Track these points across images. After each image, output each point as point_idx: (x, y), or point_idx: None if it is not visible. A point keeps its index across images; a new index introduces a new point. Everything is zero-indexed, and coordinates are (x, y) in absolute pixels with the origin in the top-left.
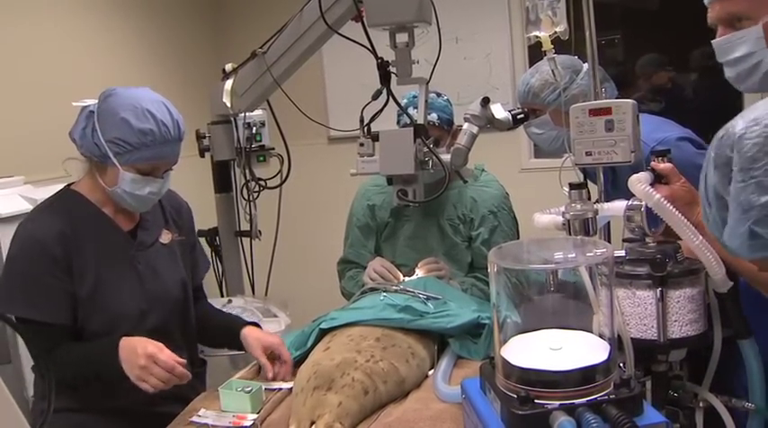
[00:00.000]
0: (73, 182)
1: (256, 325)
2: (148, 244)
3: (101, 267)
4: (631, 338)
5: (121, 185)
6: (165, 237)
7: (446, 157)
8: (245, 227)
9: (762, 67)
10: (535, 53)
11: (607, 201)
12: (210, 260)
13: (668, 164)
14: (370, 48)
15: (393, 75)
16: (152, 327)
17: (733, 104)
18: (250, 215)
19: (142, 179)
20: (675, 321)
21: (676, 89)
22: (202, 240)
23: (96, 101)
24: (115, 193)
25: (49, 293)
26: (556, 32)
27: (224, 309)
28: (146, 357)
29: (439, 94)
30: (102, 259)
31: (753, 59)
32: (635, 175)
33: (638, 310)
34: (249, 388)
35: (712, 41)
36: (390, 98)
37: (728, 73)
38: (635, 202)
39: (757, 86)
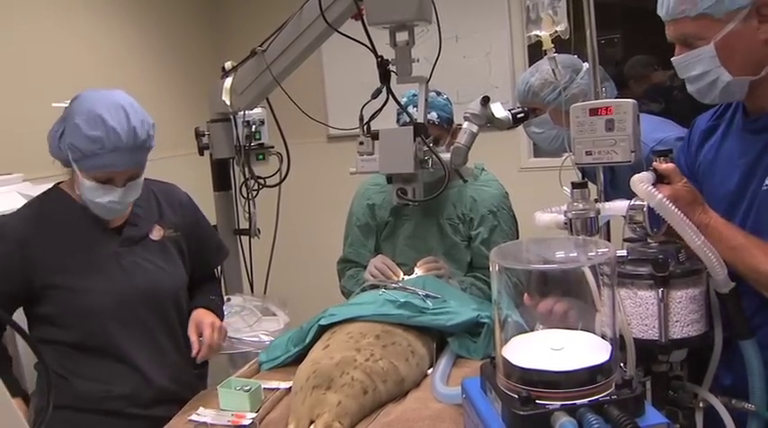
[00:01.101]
0: (62, 181)
1: (212, 310)
2: (135, 240)
3: (81, 263)
4: (633, 338)
5: (83, 191)
6: (157, 234)
7: (446, 156)
8: (243, 225)
9: (719, 84)
10: (535, 52)
11: (606, 201)
12: None
13: (670, 165)
14: (369, 46)
15: (393, 74)
16: (149, 323)
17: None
18: (249, 213)
19: (100, 187)
20: (677, 321)
21: (674, 89)
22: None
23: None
24: (83, 198)
25: None
26: (556, 31)
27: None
28: None
29: (439, 93)
30: (82, 255)
31: (709, 77)
32: (637, 175)
33: (639, 310)
34: (248, 387)
35: (672, 59)
36: (390, 97)
37: (690, 88)
38: (637, 202)
39: (718, 100)
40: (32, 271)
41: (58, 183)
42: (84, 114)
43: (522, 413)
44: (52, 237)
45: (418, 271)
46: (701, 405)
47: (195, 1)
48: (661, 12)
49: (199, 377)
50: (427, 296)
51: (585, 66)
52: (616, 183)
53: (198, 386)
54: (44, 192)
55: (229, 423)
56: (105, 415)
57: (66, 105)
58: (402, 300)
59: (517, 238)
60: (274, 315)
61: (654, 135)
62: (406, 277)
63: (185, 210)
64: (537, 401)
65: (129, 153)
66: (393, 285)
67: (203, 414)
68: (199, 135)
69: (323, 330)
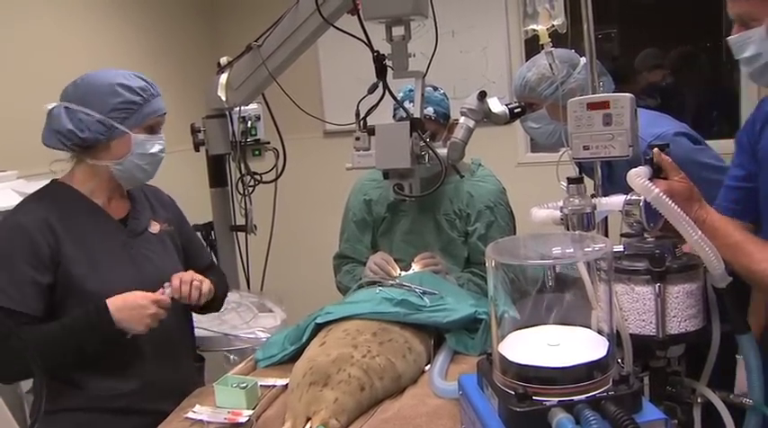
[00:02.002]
0: (57, 178)
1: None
2: (139, 231)
3: (93, 253)
4: (630, 334)
5: (135, 150)
6: (154, 227)
7: (442, 151)
8: (240, 221)
9: None
10: (532, 47)
11: (604, 196)
12: None
13: (667, 157)
14: (366, 41)
15: (389, 69)
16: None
17: (728, 100)
18: (245, 209)
19: (150, 137)
20: (674, 317)
21: (671, 84)
22: (197, 235)
23: (56, 103)
24: (127, 165)
25: (20, 280)
26: (553, 26)
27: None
28: (145, 305)
29: (435, 88)
30: (94, 245)
31: (762, 59)
32: (634, 170)
33: (636, 306)
34: (244, 384)
35: (728, 38)
36: (386, 92)
37: (744, 70)
38: (634, 197)
39: None
40: (57, 258)
41: (54, 180)
42: (119, 77)
43: (518, 409)
44: (67, 224)
45: (415, 267)
46: (698, 400)
47: None
48: None
49: (198, 371)
50: (424, 292)
51: (583, 60)
52: (613, 178)
53: (198, 380)
54: (45, 187)
55: (226, 421)
56: (114, 414)
57: (53, 106)
58: (399, 298)
59: (514, 234)
60: (271, 311)
61: (651, 130)
62: (403, 273)
63: (173, 210)
64: (534, 397)
65: (161, 98)
66: (390, 282)
67: (199, 412)
68: (194, 131)
69: (319, 328)
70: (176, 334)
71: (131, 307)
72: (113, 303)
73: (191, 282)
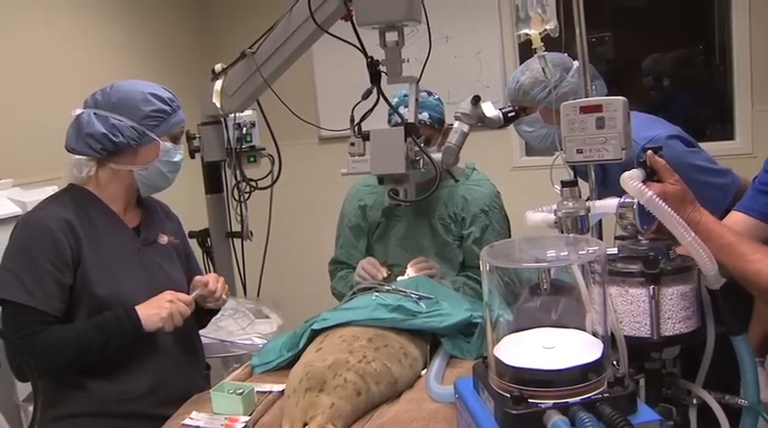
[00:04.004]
0: (74, 183)
1: None
2: (150, 241)
3: (108, 258)
4: (624, 336)
5: (162, 157)
6: (163, 239)
7: (437, 156)
8: (236, 228)
9: None
10: (525, 51)
11: (598, 199)
12: (202, 261)
13: (661, 160)
14: (359, 47)
15: (383, 75)
16: None
17: (722, 102)
18: (241, 216)
19: (174, 147)
20: (668, 318)
21: (666, 87)
22: (193, 241)
23: (82, 109)
24: (151, 171)
25: (43, 279)
26: (546, 30)
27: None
28: (166, 301)
29: (430, 93)
30: (109, 251)
31: None
32: (627, 172)
33: (630, 308)
34: (241, 390)
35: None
36: (381, 97)
37: None
38: (627, 200)
39: None
40: (77, 260)
41: (72, 184)
42: (149, 86)
43: (514, 412)
44: (86, 227)
45: (410, 272)
46: (694, 401)
47: (185, 3)
48: None
49: (205, 379)
50: (420, 297)
51: (575, 64)
52: (607, 182)
53: (205, 387)
54: (63, 190)
55: (222, 427)
56: (122, 419)
57: (81, 111)
58: (395, 304)
59: (509, 237)
60: (267, 317)
61: (644, 133)
62: (399, 278)
63: (177, 223)
64: (529, 400)
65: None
66: (385, 288)
67: (196, 419)
68: (190, 138)
69: (315, 334)
70: (187, 340)
71: (152, 300)
72: (139, 306)
73: (225, 283)
